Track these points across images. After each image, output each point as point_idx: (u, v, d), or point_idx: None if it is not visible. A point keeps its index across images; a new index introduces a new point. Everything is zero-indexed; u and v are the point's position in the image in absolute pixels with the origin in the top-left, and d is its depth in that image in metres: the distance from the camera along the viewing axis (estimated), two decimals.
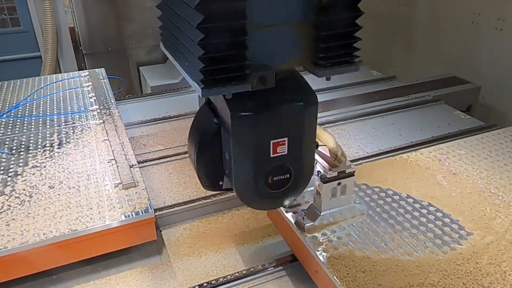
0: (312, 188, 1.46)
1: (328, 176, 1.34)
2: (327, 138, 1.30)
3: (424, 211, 1.50)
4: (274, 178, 1.11)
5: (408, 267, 1.26)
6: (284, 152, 1.08)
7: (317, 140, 1.32)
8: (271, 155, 1.07)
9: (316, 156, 1.37)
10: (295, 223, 1.43)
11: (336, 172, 1.35)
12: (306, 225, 1.39)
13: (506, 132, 2.03)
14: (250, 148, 1.06)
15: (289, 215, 1.46)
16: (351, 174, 1.38)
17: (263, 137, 1.05)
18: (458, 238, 1.37)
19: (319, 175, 1.36)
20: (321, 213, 1.41)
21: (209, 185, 1.23)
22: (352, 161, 2.07)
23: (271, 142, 1.06)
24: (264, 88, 0.99)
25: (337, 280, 1.22)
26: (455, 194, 1.59)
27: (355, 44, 1.00)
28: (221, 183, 1.21)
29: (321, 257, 1.30)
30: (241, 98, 0.97)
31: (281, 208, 1.49)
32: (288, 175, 1.12)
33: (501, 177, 1.69)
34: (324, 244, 1.35)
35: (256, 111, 1.02)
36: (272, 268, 1.53)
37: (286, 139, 1.07)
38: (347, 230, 1.40)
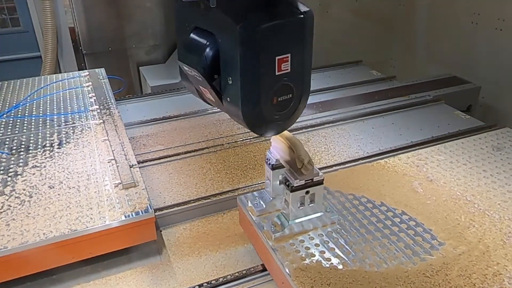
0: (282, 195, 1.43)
1: (295, 184, 1.29)
2: (295, 145, 1.27)
3: (397, 219, 1.45)
4: (279, 99, 1.08)
5: (375, 279, 1.22)
6: (288, 69, 1.06)
7: (285, 147, 1.31)
8: (277, 73, 1.05)
9: (284, 164, 1.35)
10: (263, 232, 1.39)
11: (304, 181, 1.30)
12: (274, 234, 1.35)
13: (487, 137, 1.98)
14: (258, 66, 1.03)
15: (258, 224, 1.42)
16: (320, 182, 1.34)
17: (269, 52, 1.03)
18: (429, 248, 1.33)
19: (287, 183, 1.32)
20: (290, 222, 1.37)
21: (204, 74, 1.13)
22: (352, 161, 2.09)
23: (276, 58, 1.03)
24: (261, 4, 0.98)
25: None
26: (430, 202, 1.54)
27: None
28: (216, 76, 1.13)
29: (287, 269, 1.25)
30: (244, 12, 0.95)
31: (252, 216, 1.46)
32: (290, 95, 1.10)
33: (478, 184, 1.65)
34: (291, 254, 1.30)
35: (264, 24, 0.99)
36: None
37: (289, 55, 1.05)
38: (316, 240, 1.36)
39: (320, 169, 2.00)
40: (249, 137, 2.28)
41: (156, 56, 3.89)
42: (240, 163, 2.08)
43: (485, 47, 3.09)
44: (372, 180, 1.67)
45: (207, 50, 1.09)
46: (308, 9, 1.06)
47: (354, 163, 2.04)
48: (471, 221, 1.45)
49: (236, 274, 1.50)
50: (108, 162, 1.82)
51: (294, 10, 1.04)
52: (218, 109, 2.57)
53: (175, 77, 3.51)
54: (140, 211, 1.54)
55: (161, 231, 1.75)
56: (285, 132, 1.32)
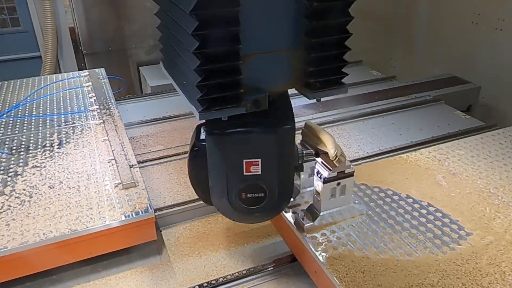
0: (311, 188, 1.46)
1: (327, 176, 1.34)
2: (327, 139, 1.30)
3: (424, 211, 1.49)
4: (248, 195, 1.16)
5: (407, 267, 1.26)
6: (258, 172, 1.12)
7: (317, 141, 1.33)
8: (244, 173, 1.12)
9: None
10: (294, 223, 1.43)
11: (336, 173, 1.35)
12: (306, 225, 1.39)
13: (505, 132, 2.03)
14: (223, 164, 1.12)
15: (288, 215, 1.46)
16: (351, 174, 1.38)
17: (235, 155, 1.10)
18: (457, 238, 1.37)
19: (319, 175, 1.36)
20: (321, 213, 1.41)
21: (203, 200, 1.28)
22: (352, 161, 2.08)
23: (244, 161, 1.11)
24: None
25: (337, 281, 1.22)
26: (455, 194, 1.59)
27: (353, 44, 1.04)
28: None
29: (320, 257, 1.30)
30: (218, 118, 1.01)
31: None
32: (262, 194, 1.16)
33: (500, 177, 1.69)
34: (323, 244, 1.35)
35: (230, 131, 1.07)
36: (272, 268, 1.53)
37: (259, 160, 1.11)
38: (346, 230, 1.40)
39: None
40: None
41: (156, 56, 3.89)
42: None
43: (485, 47, 3.09)
44: (396, 173, 1.71)
45: None
46: (288, 126, 1.11)
47: (354, 163, 2.03)
48: (496, 213, 1.49)
49: (236, 274, 1.50)
50: (108, 162, 1.82)
51: (267, 122, 1.09)
52: None
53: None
54: (140, 211, 1.54)
55: (161, 231, 1.75)
56: (316, 126, 1.37)
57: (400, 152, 2.10)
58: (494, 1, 2.96)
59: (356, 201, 1.48)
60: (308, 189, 1.53)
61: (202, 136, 1.17)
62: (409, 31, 3.83)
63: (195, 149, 1.18)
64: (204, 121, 1.19)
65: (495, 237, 1.37)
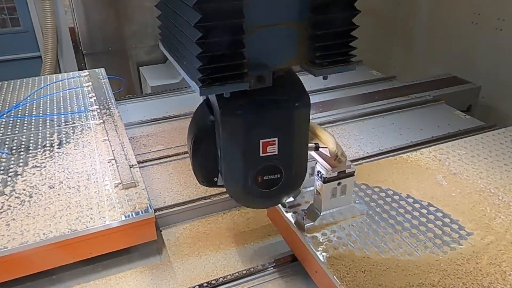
0: (312, 188, 1.46)
1: (328, 176, 1.34)
2: (327, 138, 1.30)
3: (424, 211, 1.50)
4: (264, 177, 1.11)
5: (408, 267, 1.26)
6: (274, 152, 1.08)
7: (317, 140, 1.33)
8: (261, 154, 1.08)
9: (316, 156, 1.38)
10: (295, 223, 1.43)
11: (336, 172, 1.35)
12: (306, 225, 1.39)
13: (506, 132, 2.03)
14: (239, 147, 1.07)
15: (289, 215, 1.46)
16: (351, 174, 1.38)
17: (252, 136, 1.06)
18: (458, 238, 1.37)
19: (319, 175, 1.36)
20: (321, 213, 1.41)
21: (204, 181, 1.23)
22: (352, 161, 2.07)
23: (261, 141, 1.06)
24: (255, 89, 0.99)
25: (337, 280, 1.22)
26: (455, 194, 1.59)
27: (352, 44, 1.01)
28: (215, 179, 1.21)
29: (321, 257, 1.30)
30: (232, 96, 0.97)
31: (281, 207, 1.49)
32: (278, 175, 1.12)
33: (501, 177, 1.69)
34: (324, 244, 1.34)
35: (246, 111, 1.02)
36: (272, 268, 1.53)
37: (276, 139, 1.07)
38: (347, 230, 1.40)
39: None
40: None
41: (156, 56, 3.89)
42: None
43: (485, 47, 3.09)
44: (397, 173, 1.71)
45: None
46: (304, 95, 1.07)
47: (354, 163, 2.03)
48: (497, 212, 1.48)
49: (236, 274, 1.50)
50: (108, 162, 1.82)
51: (285, 98, 1.05)
52: None
53: (175, 77, 3.51)
54: (140, 211, 1.54)
55: (161, 231, 1.75)
56: (315, 125, 1.35)
57: (400, 152, 2.10)
58: (494, 1, 2.97)
59: (356, 201, 1.48)
60: (309, 188, 1.53)
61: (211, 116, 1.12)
62: (409, 31, 3.83)
63: (201, 131, 1.13)
64: (203, 100, 1.17)
65: (495, 237, 1.37)
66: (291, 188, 1.19)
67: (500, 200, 1.55)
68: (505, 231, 1.40)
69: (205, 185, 1.24)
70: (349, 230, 1.40)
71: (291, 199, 1.51)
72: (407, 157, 1.83)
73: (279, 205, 1.50)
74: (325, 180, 1.34)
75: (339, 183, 1.38)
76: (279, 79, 1.03)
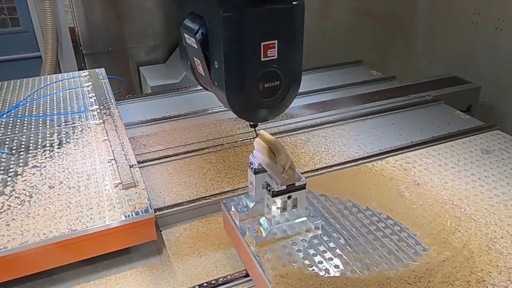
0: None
1: (276, 189, 1.26)
2: (277, 149, 1.25)
3: (382, 224, 1.42)
4: (265, 85, 1.08)
5: (356, 286, 1.19)
6: (274, 56, 1.05)
7: (269, 150, 1.29)
8: (262, 59, 1.05)
9: (267, 168, 1.33)
10: (245, 237, 1.36)
11: (285, 186, 1.27)
12: (256, 240, 1.32)
13: (477, 139, 1.96)
14: (242, 51, 1.03)
15: (241, 229, 1.39)
16: (302, 187, 1.30)
17: (254, 38, 1.02)
18: (413, 254, 1.30)
19: (268, 188, 1.29)
20: (272, 227, 1.33)
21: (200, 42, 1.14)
22: (352, 161, 2.09)
23: (262, 44, 1.03)
24: None
25: None
26: (416, 206, 1.51)
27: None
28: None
29: (267, 275, 1.23)
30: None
31: (235, 220, 1.44)
32: (278, 82, 1.09)
33: (466, 187, 1.62)
34: (272, 260, 1.27)
35: (248, 7, 0.99)
36: None
37: (276, 41, 1.04)
38: (298, 245, 1.32)
39: (320, 169, 2.02)
40: (249, 137, 2.28)
41: (156, 56, 3.89)
42: (240, 163, 2.08)
43: (485, 47, 3.09)
44: (359, 183, 1.64)
45: (200, 32, 1.10)
46: None
47: (354, 163, 2.04)
48: (457, 226, 1.42)
49: (236, 274, 1.50)
50: (108, 162, 1.82)
51: None
52: (218, 109, 2.58)
53: (175, 77, 3.51)
54: (140, 211, 1.54)
55: (161, 231, 1.75)
56: (268, 135, 1.31)
57: (400, 152, 2.09)
58: (494, 1, 2.97)
59: (311, 214, 1.40)
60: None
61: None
62: (409, 31, 3.83)
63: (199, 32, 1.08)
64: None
65: (452, 253, 1.30)
66: (288, 96, 1.14)
67: (462, 213, 1.48)
68: (462, 246, 1.33)
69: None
70: (300, 245, 1.32)
71: (246, 211, 1.44)
72: (372, 166, 1.77)
73: (233, 217, 1.45)
74: (274, 194, 1.27)
75: (289, 197, 1.30)
76: None
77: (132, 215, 1.52)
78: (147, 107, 2.76)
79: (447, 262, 1.27)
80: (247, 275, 1.49)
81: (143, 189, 1.66)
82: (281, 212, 1.33)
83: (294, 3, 1.04)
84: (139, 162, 1.96)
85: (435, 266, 1.26)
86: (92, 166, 1.80)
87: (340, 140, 2.30)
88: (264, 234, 1.34)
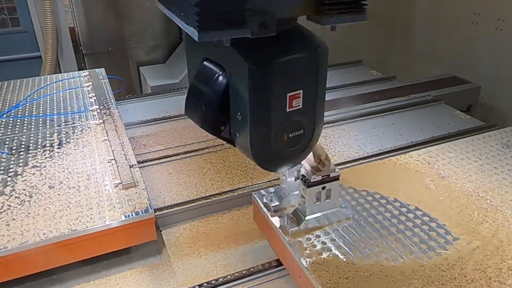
0: (297, 192, 1.44)
1: (312, 180, 1.31)
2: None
3: (411, 215, 1.47)
4: (290, 135, 1.06)
5: (392, 273, 1.23)
6: (299, 106, 1.03)
7: None
8: (287, 110, 1.03)
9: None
10: (279, 227, 1.40)
11: (320, 176, 1.32)
12: (291, 229, 1.36)
13: (497, 134, 2.00)
14: (268, 103, 1.01)
15: (274, 220, 1.43)
16: (336, 178, 1.35)
17: (280, 90, 1.00)
18: (444, 243, 1.35)
19: (303, 179, 1.33)
20: (306, 218, 1.38)
21: (210, 128, 1.16)
22: (352, 161, 2.09)
23: (288, 95, 1.01)
24: (274, 40, 0.94)
25: (320, 286, 1.20)
26: (443, 198, 1.56)
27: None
28: (222, 128, 1.14)
29: (304, 263, 1.27)
30: (256, 48, 0.93)
31: (267, 212, 1.47)
32: (302, 131, 1.07)
33: (490, 180, 1.66)
34: (308, 249, 1.32)
35: (274, 62, 0.96)
36: (272, 268, 1.53)
37: (301, 91, 1.02)
38: (332, 235, 1.38)
39: None
40: None
41: (156, 56, 3.89)
42: (240, 163, 2.08)
43: (485, 47, 3.09)
44: (385, 177, 1.70)
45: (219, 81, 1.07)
46: (322, 42, 1.03)
47: (354, 163, 2.04)
48: (484, 217, 1.47)
49: (236, 274, 1.50)
50: (108, 162, 1.82)
51: (307, 44, 1.02)
52: None
53: (175, 77, 3.51)
54: (140, 211, 1.54)
55: (161, 231, 1.75)
56: None
57: (400, 152, 2.10)
58: (494, 1, 2.96)
59: (342, 205, 1.44)
60: (295, 192, 1.49)
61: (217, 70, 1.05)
62: (409, 31, 3.83)
63: (217, 80, 1.06)
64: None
65: (482, 242, 1.35)
66: (311, 144, 1.12)
67: (488, 204, 1.53)
68: (491, 236, 1.38)
69: (209, 131, 1.16)
70: (334, 235, 1.38)
71: (277, 203, 1.48)
72: (396, 160, 1.81)
73: (265, 209, 1.49)
74: (309, 184, 1.32)
75: (323, 187, 1.35)
76: (289, 31, 0.98)
77: (132, 215, 1.52)
78: (147, 107, 2.77)
79: (478, 250, 1.32)
80: (247, 275, 1.49)
81: (143, 189, 1.66)
82: (315, 203, 1.37)
83: (318, 49, 1.02)
84: (139, 162, 1.96)
85: (466, 255, 1.31)
86: (92, 166, 1.80)
87: (340, 140, 2.30)
88: (298, 224, 1.38)
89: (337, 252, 1.32)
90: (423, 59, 3.72)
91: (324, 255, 1.31)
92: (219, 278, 1.49)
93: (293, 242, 1.35)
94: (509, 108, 2.98)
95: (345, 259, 1.29)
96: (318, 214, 1.40)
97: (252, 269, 1.52)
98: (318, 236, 1.37)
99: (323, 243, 1.35)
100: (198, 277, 1.53)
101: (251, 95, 0.99)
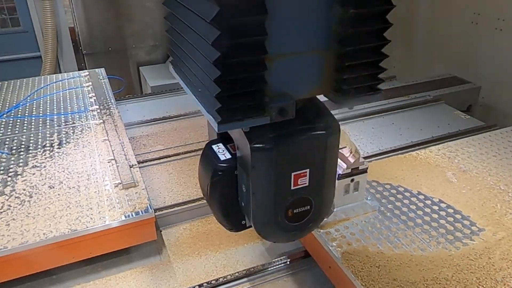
0: None
1: (341, 172, 1.35)
2: (342, 135, 1.29)
3: (435, 207, 1.52)
4: (295, 211, 1.05)
5: (422, 262, 1.28)
6: (305, 184, 1.02)
7: None
8: (292, 188, 1.02)
9: None
10: None
11: (350, 169, 1.36)
12: None
13: (497, 134, 2.03)
14: (270, 182, 1.00)
15: None
16: (364, 171, 1.40)
17: (284, 169, 0.99)
18: (470, 234, 1.39)
19: None
20: (335, 209, 1.42)
21: (232, 228, 1.17)
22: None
23: (292, 174, 1.00)
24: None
25: (352, 275, 1.24)
26: (465, 191, 1.60)
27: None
28: (243, 222, 1.14)
29: (335, 252, 1.31)
30: (260, 129, 0.92)
31: None
32: (308, 207, 1.07)
33: (510, 174, 1.70)
34: (337, 239, 1.36)
35: (277, 143, 0.95)
36: (271, 268, 1.53)
37: (307, 170, 1.01)
38: (359, 226, 1.42)
39: None
40: None
41: (156, 56, 3.89)
42: None
43: (485, 47, 3.08)
44: (407, 171, 1.74)
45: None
46: (334, 121, 1.02)
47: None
48: (507, 209, 1.50)
49: (236, 274, 1.51)
50: (108, 162, 1.82)
51: (316, 126, 1.00)
52: None
53: (175, 77, 3.51)
54: (140, 211, 1.54)
55: (161, 231, 1.75)
56: None
57: (400, 152, 2.09)
58: (494, 1, 2.96)
59: (368, 198, 1.49)
60: None
61: (222, 156, 1.06)
62: (409, 31, 3.83)
63: (219, 172, 1.06)
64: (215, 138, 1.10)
65: (507, 233, 1.39)
66: (319, 218, 1.13)
67: (510, 197, 1.57)
68: None
69: (235, 231, 1.17)
70: (362, 226, 1.42)
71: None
72: (417, 154, 1.86)
73: None
74: (339, 177, 1.36)
75: (352, 180, 1.39)
76: (303, 107, 0.98)
77: (132, 215, 1.52)
78: (147, 107, 2.76)
79: (504, 241, 1.36)
80: (247, 275, 1.49)
81: (143, 189, 1.66)
82: (343, 195, 1.41)
83: (328, 130, 1.00)
84: (139, 162, 1.96)
85: (492, 245, 1.35)
86: (92, 166, 1.80)
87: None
88: (327, 215, 1.39)
89: (366, 242, 1.35)
90: (423, 59, 3.72)
91: (354, 245, 1.34)
92: (219, 278, 1.49)
93: (322, 232, 1.39)
94: (509, 108, 2.98)
95: (374, 249, 1.33)
96: (346, 206, 1.45)
97: (252, 269, 1.52)
98: (346, 227, 1.41)
99: (352, 233, 1.39)
100: (198, 277, 1.53)
101: (254, 172, 0.98)
